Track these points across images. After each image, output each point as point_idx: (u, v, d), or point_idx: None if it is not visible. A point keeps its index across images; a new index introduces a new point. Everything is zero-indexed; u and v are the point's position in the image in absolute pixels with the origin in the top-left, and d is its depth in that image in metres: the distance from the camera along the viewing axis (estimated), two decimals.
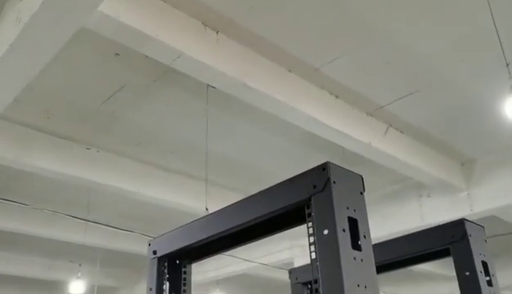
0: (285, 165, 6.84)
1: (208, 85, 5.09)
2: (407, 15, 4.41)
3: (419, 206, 7.36)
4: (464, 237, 1.31)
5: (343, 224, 0.88)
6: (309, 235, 0.93)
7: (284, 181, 1.02)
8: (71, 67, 5.11)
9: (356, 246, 0.89)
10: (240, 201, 1.10)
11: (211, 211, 5.07)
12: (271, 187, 1.04)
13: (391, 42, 4.72)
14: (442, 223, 1.68)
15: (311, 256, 0.91)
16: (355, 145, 5.79)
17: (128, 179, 6.78)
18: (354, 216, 0.91)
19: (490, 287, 1.31)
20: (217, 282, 11.08)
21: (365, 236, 0.91)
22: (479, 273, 1.29)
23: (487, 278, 1.32)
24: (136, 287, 12.20)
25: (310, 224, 0.92)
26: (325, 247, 0.88)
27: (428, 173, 6.44)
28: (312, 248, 0.91)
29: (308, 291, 1.71)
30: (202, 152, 5.96)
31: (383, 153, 5.89)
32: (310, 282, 1.73)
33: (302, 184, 0.96)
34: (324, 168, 0.93)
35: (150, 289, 1.27)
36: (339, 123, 5.50)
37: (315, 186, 0.92)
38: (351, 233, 0.89)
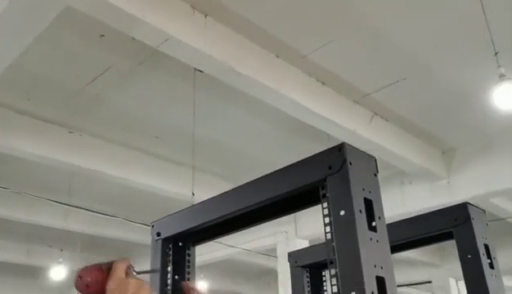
0: (271, 151, 6.86)
1: (196, 69, 5.05)
2: (396, 3, 4.42)
3: (401, 193, 7.47)
4: (468, 220, 1.34)
5: (359, 205, 0.88)
6: (324, 216, 0.93)
7: (297, 162, 1.01)
8: (54, 48, 4.99)
9: (371, 227, 0.89)
10: (250, 182, 1.09)
11: (197, 197, 5.07)
12: (284, 168, 1.03)
13: (379, 29, 4.74)
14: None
15: (326, 237, 0.91)
16: (340, 132, 5.82)
17: (111, 163, 6.70)
18: (369, 197, 0.91)
19: (491, 269, 1.34)
20: (201, 268, 11.12)
21: (379, 217, 0.92)
22: (482, 256, 1.32)
23: (489, 261, 1.35)
24: None
25: (325, 204, 0.92)
26: (342, 228, 0.88)
27: (410, 161, 6.53)
28: (328, 229, 0.91)
29: (308, 274, 1.71)
30: (188, 137, 5.92)
31: (367, 140, 5.94)
32: (309, 266, 1.73)
33: (317, 166, 0.96)
34: (340, 149, 0.93)
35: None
36: (326, 110, 5.52)
37: (330, 167, 0.92)
38: (366, 214, 0.89)
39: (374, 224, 0.90)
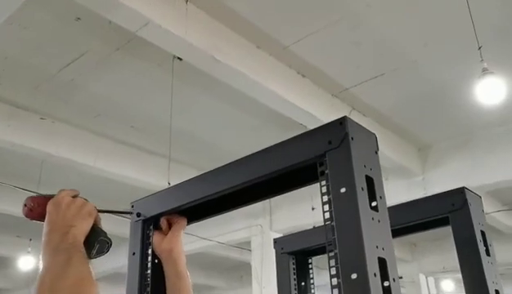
0: (249, 143, 6.76)
1: (175, 56, 4.94)
2: None
3: None
4: (465, 205, 1.31)
5: (361, 183, 0.83)
6: (322, 194, 0.87)
7: (293, 137, 0.95)
8: (27, 30, 4.80)
9: (372, 206, 0.85)
10: (241, 159, 1.03)
11: None
12: (279, 144, 0.97)
13: (361, 22, 4.72)
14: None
15: (324, 216, 0.86)
16: (318, 125, 5.79)
17: (84, 152, 6.52)
18: (371, 174, 0.86)
19: (488, 257, 1.32)
20: None
21: (381, 197, 0.87)
22: (479, 242, 1.29)
23: (485, 248, 1.33)
24: None
25: (324, 182, 0.87)
26: (343, 206, 0.83)
27: (387, 157, 6.57)
28: (326, 207, 0.85)
29: (294, 261, 1.65)
30: (165, 127, 5.81)
31: None
32: (296, 253, 1.67)
33: (315, 140, 0.90)
34: (341, 122, 0.87)
35: (134, 253, 1.19)
36: (305, 103, 5.50)
37: (330, 142, 0.87)
38: (368, 192, 0.84)
39: (375, 203, 0.85)
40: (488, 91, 3.85)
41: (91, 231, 1.13)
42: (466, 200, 1.33)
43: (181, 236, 1.22)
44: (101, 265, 12.18)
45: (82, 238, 1.09)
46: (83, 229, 1.11)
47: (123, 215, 1.38)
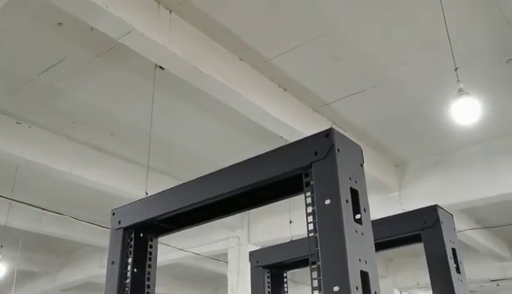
0: (228, 154, 6.75)
1: (157, 65, 4.92)
2: (362, 14, 4.49)
3: None
4: (437, 223, 1.33)
5: (346, 195, 0.84)
6: (307, 205, 0.87)
7: (281, 147, 0.95)
8: (6, 33, 4.72)
9: (356, 219, 0.85)
10: (225, 168, 1.02)
11: None
12: (265, 154, 0.97)
13: (343, 39, 4.79)
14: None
15: (307, 227, 0.86)
16: (298, 138, 5.82)
17: (60, 158, 6.40)
18: (355, 187, 0.87)
19: (458, 274, 1.33)
20: None
21: (365, 209, 0.87)
22: (449, 260, 1.30)
23: (455, 265, 1.34)
24: (58, 275, 11.62)
25: (309, 193, 0.87)
26: (327, 218, 0.83)
27: (365, 172, 6.62)
28: (310, 219, 0.85)
29: (269, 274, 1.64)
30: (144, 135, 5.75)
31: None
32: (271, 266, 1.66)
33: (301, 151, 0.90)
34: (327, 134, 0.88)
35: (113, 262, 1.16)
36: (285, 116, 5.53)
37: (316, 153, 0.87)
38: (352, 205, 0.85)
39: (359, 216, 0.86)
40: (463, 111, 3.93)
41: None
42: (438, 218, 1.35)
43: None
44: (73, 274, 11.89)
45: None
46: None
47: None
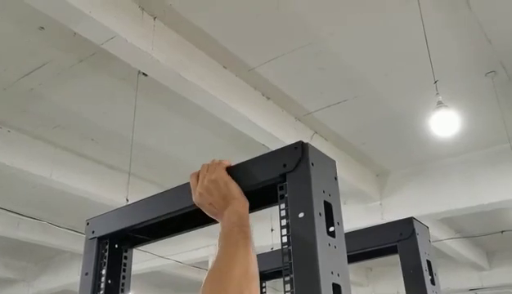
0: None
1: (140, 72, 4.90)
2: (345, 27, 4.54)
3: None
4: (413, 235, 1.35)
5: (319, 208, 0.84)
6: (281, 218, 0.88)
7: (253, 159, 0.96)
8: None
9: (329, 232, 0.86)
10: None
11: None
12: (237, 165, 0.97)
13: (325, 50, 4.84)
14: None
15: (281, 240, 0.86)
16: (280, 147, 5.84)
17: (39, 163, 6.31)
18: (329, 200, 0.88)
19: (433, 286, 1.35)
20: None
21: (338, 223, 0.88)
22: (424, 272, 1.32)
23: (430, 277, 1.36)
24: (35, 282, 11.41)
25: (283, 205, 0.87)
26: (300, 231, 0.83)
27: (346, 182, 6.68)
28: (284, 232, 0.86)
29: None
30: (126, 142, 5.72)
31: None
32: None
33: (275, 163, 0.91)
34: (302, 147, 0.88)
35: (86, 274, 1.15)
36: (268, 125, 5.55)
37: (290, 166, 0.88)
38: (326, 218, 0.85)
39: (332, 229, 0.87)
40: (442, 124, 4.00)
41: None
42: (414, 230, 1.37)
43: None
44: (50, 282, 11.65)
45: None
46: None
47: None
